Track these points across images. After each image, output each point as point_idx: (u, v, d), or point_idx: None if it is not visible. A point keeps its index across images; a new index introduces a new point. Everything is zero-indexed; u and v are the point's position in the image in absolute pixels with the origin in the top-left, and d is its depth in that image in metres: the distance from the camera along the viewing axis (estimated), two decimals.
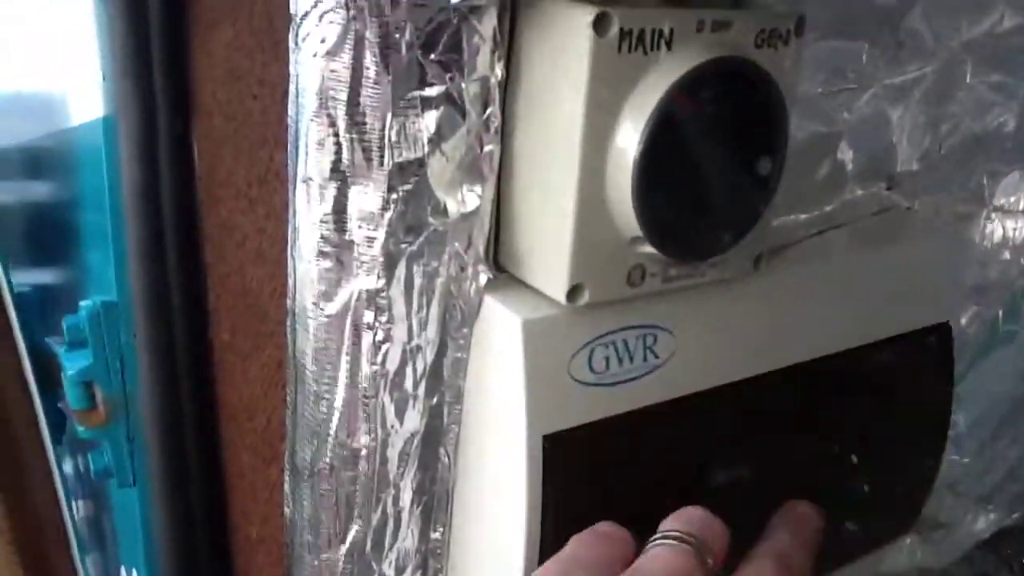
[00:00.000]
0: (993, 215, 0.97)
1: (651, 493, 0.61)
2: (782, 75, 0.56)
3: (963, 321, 0.98)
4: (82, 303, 0.75)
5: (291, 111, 0.53)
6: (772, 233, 0.70)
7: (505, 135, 0.56)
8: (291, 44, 0.52)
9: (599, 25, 0.49)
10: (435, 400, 0.61)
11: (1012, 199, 0.98)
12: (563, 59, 0.51)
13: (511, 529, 0.59)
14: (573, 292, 0.55)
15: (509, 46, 0.54)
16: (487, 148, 0.55)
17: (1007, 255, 0.99)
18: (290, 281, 0.57)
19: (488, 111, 0.54)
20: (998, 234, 0.99)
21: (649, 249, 0.54)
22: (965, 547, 1.20)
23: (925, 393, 0.83)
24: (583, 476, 0.60)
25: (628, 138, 0.51)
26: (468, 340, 0.59)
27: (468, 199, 0.55)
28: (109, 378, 0.75)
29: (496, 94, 0.54)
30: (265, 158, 0.65)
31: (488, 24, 0.52)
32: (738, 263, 0.61)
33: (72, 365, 0.75)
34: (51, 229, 0.89)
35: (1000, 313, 1.04)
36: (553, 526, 0.58)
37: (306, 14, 0.49)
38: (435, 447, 0.62)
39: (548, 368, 0.56)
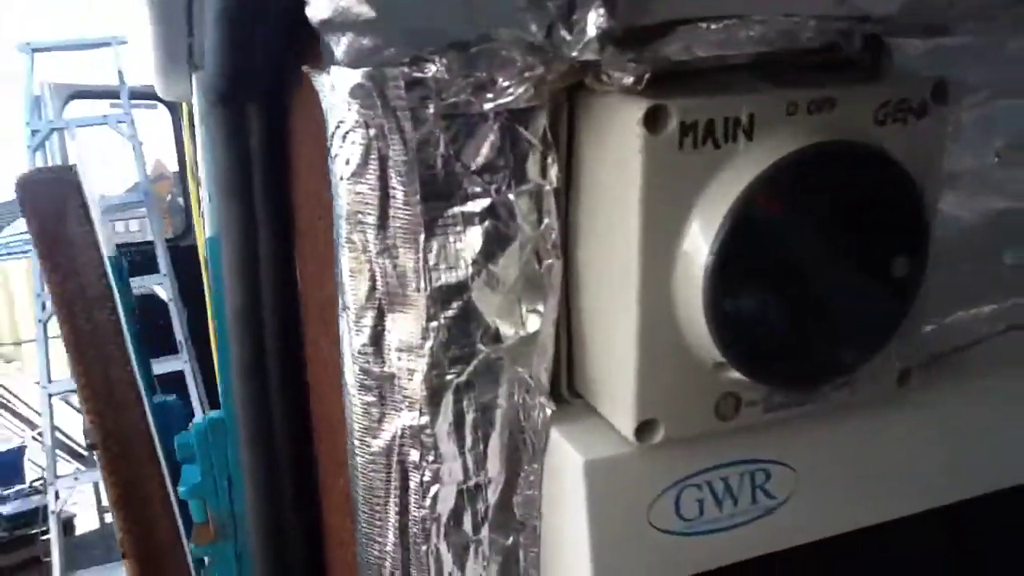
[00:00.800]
0: None
1: None
2: (919, 153, 0.45)
3: None
4: (195, 420, 0.75)
5: (333, 236, 0.50)
6: (935, 338, 0.58)
7: (569, 247, 0.49)
8: (328, 165, 0.48)
9: (652, 121, 0.41)
10: (509, 541, 0.53)
11: None
12: (619, 160, 0.43)
13: None
14: (644, 429, 0.46)
15: (569, 149, 0.47)
16: (546, 263, 0.48)
17: None
18: (346, 414, 0.53)
19: (544, 223, 0.47)
20: None
21: (737, 375, 0.45)
22: None
23: None
24: None
25: (697, 247, 0.42)
26: (540, 476, 0.52)
27: (529, 321, 0.49)
28: (217, 496, 0.74)
29: (552, 203, 0.47)
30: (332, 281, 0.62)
31: (537, 127, 0.45)
32: (876, 382, 0.50)
33: (185, 481, 0.75)
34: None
35: None
36: None
37: (332, 133, 0.45)
38: None
39: (621, 515, 0.48)
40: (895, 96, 0.44)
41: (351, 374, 0.50)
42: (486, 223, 0.46)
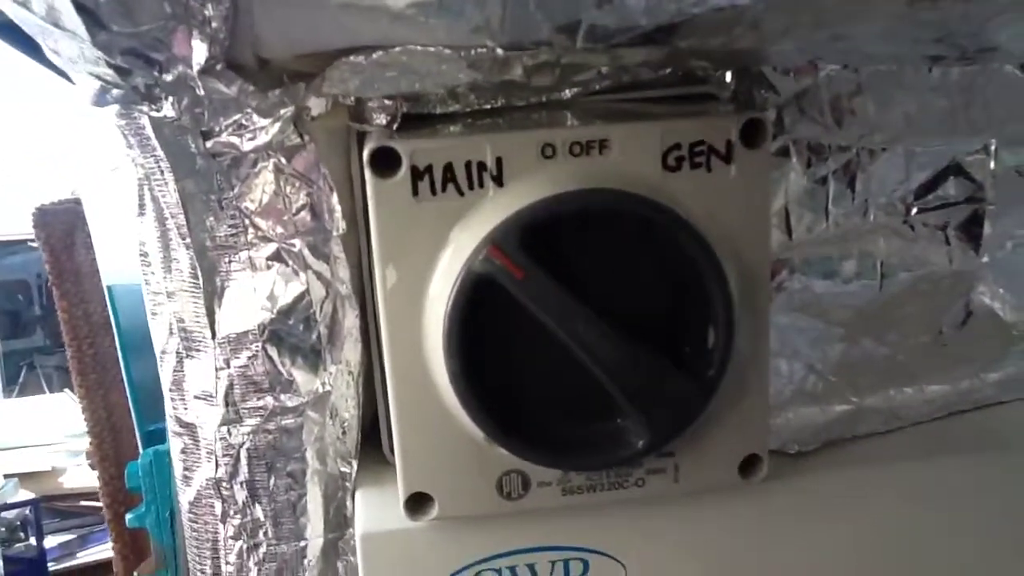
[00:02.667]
0: None
1: None
2: (727, 205, 0.38)
3: None
4: (144, 451, 0.77)
5: None
6: (840, 421, 0.49)
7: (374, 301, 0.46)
8: None
9: (380, 164, 0.37)
10: None
11: None
12: (368, 206, 0.39)
13: None
14: (414, 503, 0.42)
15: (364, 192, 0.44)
16: (340, 316, 0.45)
17: None
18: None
19: (333, 272, 0.44)
20: None
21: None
22: None
23: None
24: None
25: (437, 308, 0.38)
26: (356, 543, 0.48)
27: (328, 377, 0.46)
28: (159, 527, 0.75)
29: (339, 250, 0.44)
30: None
31: (310, 167, 0.42)
32: (707, 470, 0.42)
33: (132, 512, 0.76)
34: None
35: None
36: None
37: (112, 170, 0.45)
38: None
39: None
40: (688, 138, 0.37)
41: (168, 420, 0.49)
42: (273, 270, 0.44)
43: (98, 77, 0.37)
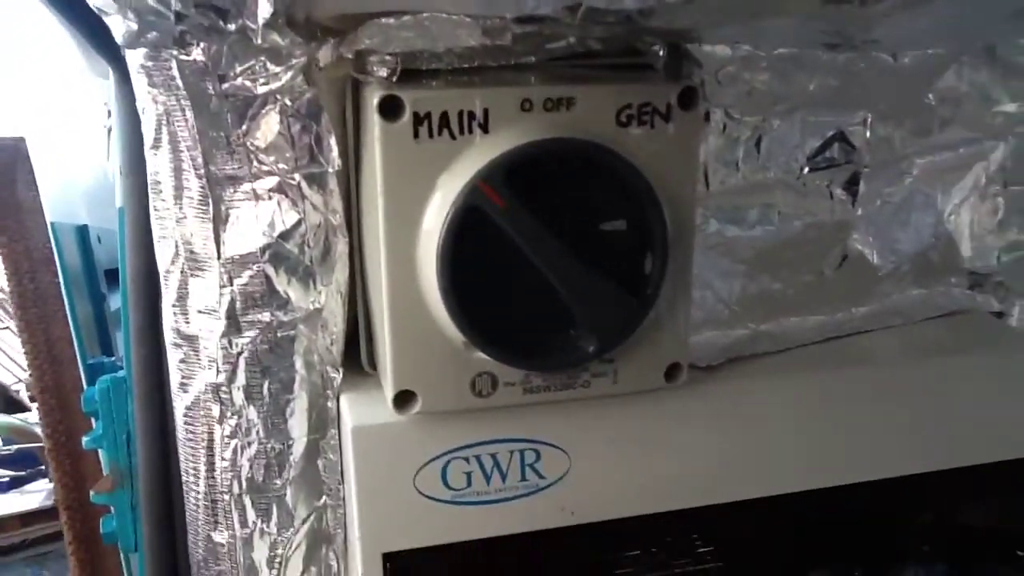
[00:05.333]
0: None
1: None
2: (665, 156, 0.47)
3: None
4: (100, 378, 0.81)
5: None
6: (745, 341, 0.60)
7: (356, 229, 0.53)
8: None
9: (387, 110, 0.44)
10: (320, 501, 0.57)
11: None
12: (369, 146, 0.47)
13: None
14: (401, 400, 0.50)
15: (356, 135, 0.51)
16: (333, 241, 0.52)
17: None
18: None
19: (328, 204, 0.51)
20: None
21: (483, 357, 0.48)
22: None
23: None
24: None
25: (432, 231, 0.46)
26: (339, 441, 0.56)
27: (319, 295, 0.53)
28: (116, 448, 0.80)
29: (334, 185, 0.51)
30: None
31: (315, 112, 0.49)
32: (640, 374, 0.52)
33: (88, 436, 0.81)
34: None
35: None
36: None
37: (139, 106, 0.50)
38: (322, 551, 0.59)
39: (387, 480, 0.51)
40: (637, 99, 0.46)
41: (167, 332, 0.55)
42: (274, 200, 0.50)
43: (144, 19, 0.43)
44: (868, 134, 0.60)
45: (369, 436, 0.51)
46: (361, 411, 0.52)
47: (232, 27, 0.42)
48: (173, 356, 0.55)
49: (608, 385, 0.51)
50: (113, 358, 1.02)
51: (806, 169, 0.60)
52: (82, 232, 1.05)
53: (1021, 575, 0.69)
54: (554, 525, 0.54)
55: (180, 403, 0.56)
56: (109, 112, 0.84)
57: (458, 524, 0.52)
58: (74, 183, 0.93)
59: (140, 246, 0.76)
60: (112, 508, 0.84)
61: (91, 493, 0.83)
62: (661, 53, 0.53)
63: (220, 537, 0.57)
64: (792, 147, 0.59)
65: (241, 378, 0.53)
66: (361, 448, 0.51)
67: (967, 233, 0.66)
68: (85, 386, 0.94)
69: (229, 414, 0.54)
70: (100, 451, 0.95)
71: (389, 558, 0.52)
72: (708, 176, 0.57)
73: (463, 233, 0.45)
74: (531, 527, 0.53)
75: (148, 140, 0.50)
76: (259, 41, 0.43)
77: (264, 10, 0.41)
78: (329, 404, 0.55)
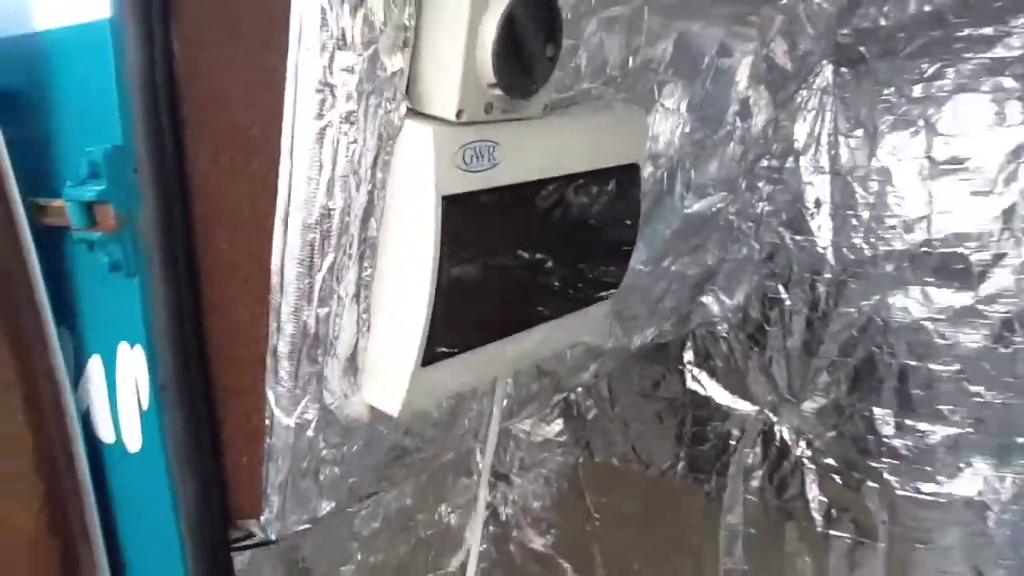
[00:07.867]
0: (659, 108, 1.56)
1: (507, 232, 1.11)
2: None
3: (644, 174, 1.56)
4: (96, 147, 1.06)
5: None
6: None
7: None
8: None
9: None
10: (373, 184, 1.03)
11: (670, 101, 1.59)
12: None
13: (419, 260, 1.04)
14: (460, 113, 1.01)
15: None
16: (407, 24, 0.98)
17: (668, 134, 1.60)
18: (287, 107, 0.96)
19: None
20: (660, 122, 1.60)
21: (497, 92, 1.02)
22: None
23: (620, 209, 1.39)
24: (466, 222, 1.06)
25: (490, 25, 0.98)
26: (393, 148, 1.03)
27: (396, 62, 0.99)
28: (120, 199, 1.07)
29: None
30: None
31: None
32: (536, 108, 1.11)
33: (91, 191, 1.06)
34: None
35: (665, 173, 1.65)
36: (449, 251, 1.04)
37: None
38: (370, 215, 1.05)
39: (447, 157, 1.02)
40: None
41: (308, 81, 0.94)
42: None
43: None
44: None
45: (439, 135, 1.00)
46: (428, 125, 1.01)
47: None
48: (313, 99, 0.95)
49: (525, 112, 1.09)
50: None
51: None
52: None
53: None
54: (503, 183, 1.10)
55: (314, 126, 0.96)
56: None
57: (469, 182, 1.06)
58: None
59: (140, 52, 1.08)
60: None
61: (95, 235, 1.09)
62: None
63: (337, 204, 1.00)
64: None
65: (363, 108, 0.97)
66: (437, 140, 1.00)
67: None
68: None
69: (347, 129, 0.97)
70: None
71: (446, 199, 1.03)
72: None
73: (506, 30, 0.98)
74: (496, 184, 1.09)
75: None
76: None
77: None
78: (394, 123, 1.01)
